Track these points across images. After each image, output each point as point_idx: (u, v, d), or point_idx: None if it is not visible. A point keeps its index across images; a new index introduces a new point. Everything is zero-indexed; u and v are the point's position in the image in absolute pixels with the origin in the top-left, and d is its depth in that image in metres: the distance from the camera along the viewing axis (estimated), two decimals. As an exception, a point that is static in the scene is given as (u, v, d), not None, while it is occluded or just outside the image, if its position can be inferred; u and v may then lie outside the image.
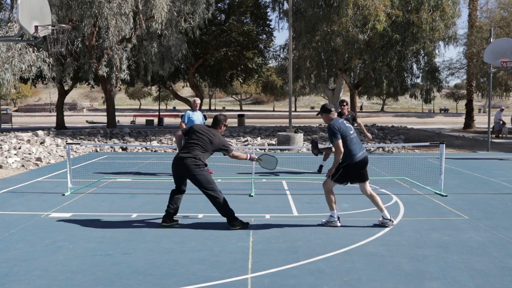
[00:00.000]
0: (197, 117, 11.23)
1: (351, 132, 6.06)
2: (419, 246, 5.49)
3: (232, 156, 6.34)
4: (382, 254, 5.18)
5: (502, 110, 26.25)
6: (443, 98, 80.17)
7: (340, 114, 10.78)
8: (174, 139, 19.15)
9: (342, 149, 5.91)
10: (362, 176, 6.13)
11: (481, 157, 14.99)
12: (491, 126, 20.31)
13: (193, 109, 11.27)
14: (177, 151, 6.28)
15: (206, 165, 6.23)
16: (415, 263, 4.92)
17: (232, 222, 6.17)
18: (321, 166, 11.09)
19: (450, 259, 5.05)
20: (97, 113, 69.56)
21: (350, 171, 6.04)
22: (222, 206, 6.14)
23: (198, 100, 11.67)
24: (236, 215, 6.24)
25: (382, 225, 6.25)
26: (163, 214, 6.47)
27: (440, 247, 5.45)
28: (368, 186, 6.21)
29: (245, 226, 6.20)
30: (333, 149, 6.02)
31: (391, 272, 4.66)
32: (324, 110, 6.21)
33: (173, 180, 6.42)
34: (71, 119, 49.93)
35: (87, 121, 47.10)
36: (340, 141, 5.92)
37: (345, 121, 6.15)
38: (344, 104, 10.77)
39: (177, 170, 6.19)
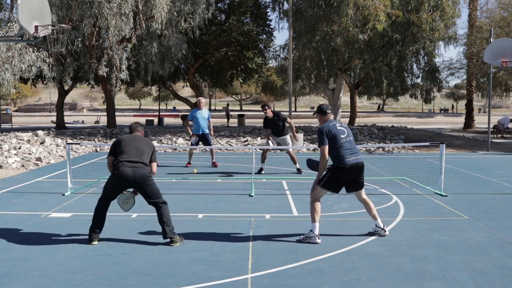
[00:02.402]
0: (201, 115, 11.93)
1: (343, 136, 5.63)
2: (419, 246, 5.49)
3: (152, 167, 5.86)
4: (382, 254, 5.18)
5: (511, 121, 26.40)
6: (443, 98, 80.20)
7: (266, 118, 10.97)
8: (174, 139, 19.15)
9: (326, 156, 5.56)
10: (358, 184, 5.74)
11: (481, 157, 15.00)
12: (491, 127, 20.28)
13: (198, 107, 12.10)
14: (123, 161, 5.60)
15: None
16: (415, 263, 4.92)
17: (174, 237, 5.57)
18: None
19: (450, 259, 5.05)
20: (97, 113, 69.53)
21: (339, 176, 5.58)
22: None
23: (202, 100, 12.38)
24: (236, 215, 6.23)
25: (375, 233, 5.96)
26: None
27: (440, 247, 5.45)
28: (363, 193, 5.86)
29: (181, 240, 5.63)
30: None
31: (391, 272, 4.66)
32: (319, 111, 5.88)
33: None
34: (70, 119, 49.85)
35: (52, 122, 46.82)
36: (326, 147, 5.56)
37: (338, 124, 5.75)
38: (266, 108, 10.94)
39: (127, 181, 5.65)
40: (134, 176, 5.55)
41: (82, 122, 46.13)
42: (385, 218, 6.60)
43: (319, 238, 5.62)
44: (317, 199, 5.70)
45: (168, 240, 5.53)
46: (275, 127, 10.98)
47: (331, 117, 5.86)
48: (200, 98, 12.57)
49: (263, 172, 11.10)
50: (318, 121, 5.95)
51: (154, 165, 5.85)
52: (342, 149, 5.59)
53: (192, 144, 11.93)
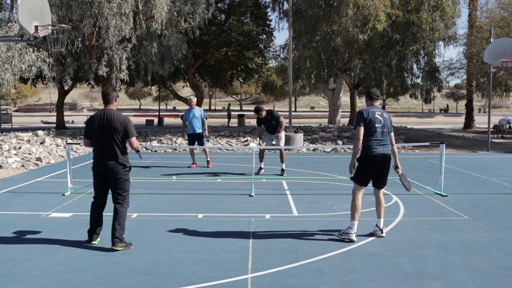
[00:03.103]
0: (193, 114, 11.76)
1: (378, 125, 5.66)
2: (419, 246, 5.49)
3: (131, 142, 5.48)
4: (382, 254, 5.18)
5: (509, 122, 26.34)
6: (443, 98, 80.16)
7: (259, 117, 10.99)
8: (174, 139, 19.14)
9: (361, 138, 5.63)
10: (381, 179, 5.79)
11: (481, 157, 15.00)
12: (491, 126, 20.28)
13: (190, 107, 11.88)
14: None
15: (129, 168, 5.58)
16: (415, 263, 4.92)
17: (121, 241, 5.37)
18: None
19: (450, 259, 5.05)
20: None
21: (367, 165, 5.67)
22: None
23: (193, 98, 12.13)
24: (236, 215, 6.23)
25: (373, 233, 5.91)
26: (163, 214, 6.43)
27: (440, 247, 5.44)
28: (381, 192, 5.90)
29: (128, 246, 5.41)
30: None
31: (391, 272, 4.66)
32: (367, 95, 5.97)
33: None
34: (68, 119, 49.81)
35: (42, 121, 46.83)
36: (362, 129, 5.62)
37: (378, 112, 5.75)
38: (261, 112, 10.90)
39: None
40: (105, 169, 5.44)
41: (72, 122, 46.06)
42: (385, 218, 6.58)
43: (355, 236, 5.67)
44: (357, 197, 5.69)
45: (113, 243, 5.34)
46: (268, 125, 10.99)
47: (377, 103, 5.90)
48: (191, 97, 12.35)
49: (262, 172, 11.09)
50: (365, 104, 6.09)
51: (133, 140, 5.45)
52: (372, 138, 5.67)
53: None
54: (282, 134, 11.01)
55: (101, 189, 5.62)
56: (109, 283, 4.36)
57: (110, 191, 5.57)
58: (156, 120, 39.57)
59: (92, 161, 5.62)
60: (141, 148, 5.92)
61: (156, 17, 19.60)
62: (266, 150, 12.61)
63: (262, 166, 11.17)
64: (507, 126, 25.88)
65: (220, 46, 27.91)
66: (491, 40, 17.64)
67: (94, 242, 5.53)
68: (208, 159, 12.24)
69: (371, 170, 5.70)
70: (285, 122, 11.24)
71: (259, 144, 11.12)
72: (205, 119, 11.94)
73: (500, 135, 25.75)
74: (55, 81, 23.99)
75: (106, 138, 5.38)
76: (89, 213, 5.66)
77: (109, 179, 5.46)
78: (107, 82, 22.60)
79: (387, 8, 21.10)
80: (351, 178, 5.82)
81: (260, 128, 11.19)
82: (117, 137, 5.37)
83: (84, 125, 6.22)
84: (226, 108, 38.58)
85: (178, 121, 44.83)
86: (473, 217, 6.90)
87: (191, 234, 5.94)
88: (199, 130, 11.77)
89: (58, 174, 11.07)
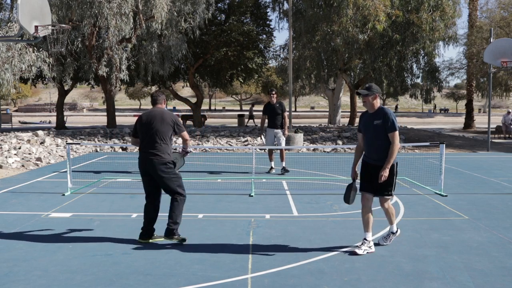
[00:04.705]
0: None
1: (368, 130, 5.27)
2: (419, 246, 5.49)
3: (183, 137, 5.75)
4: (382, 254, 5.18)
5: (509, 113, 26.15)
6: (443, 98, 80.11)
7: (269, 103, 11.07)
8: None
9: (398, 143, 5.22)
10: (370, 183, 5.24)
11: (481, 157, 15.00)
12: (492, 127, 20.25)
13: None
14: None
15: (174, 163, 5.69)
16: (415, 263, 4.92)
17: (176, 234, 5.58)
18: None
19: (450, 259, 5.05)
20: (97, 113, 69.55)
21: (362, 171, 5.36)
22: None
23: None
24: (236, 215, 6.23)
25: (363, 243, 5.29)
26: (163, 214, 6.42)
27: (440, 247, 5.44)
28: (381, 200, 5.35)
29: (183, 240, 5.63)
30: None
31: (391, 272, 4.66)
32: (377, 90, 5.33)
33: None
34: (37, 119, 49.87)
35: (19, 122, 46.71)
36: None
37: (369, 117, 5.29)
38: (274, 92, 11.04)
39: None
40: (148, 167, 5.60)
41: (49, 122, 46.06)
42: (385, 218, 6.58)
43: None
44: (389, 204, 5.38)
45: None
46: (274, 113, 10.95)
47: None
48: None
49: (273, 171, 11.18)
50: (371, 103, 5.25)
51: (184, 134, 5.70)
52: (365, 144, 5.38)
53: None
54: (286, 132, 11.10)
55: (148, 190, 5.79)
56: (109, 283, 4.36)
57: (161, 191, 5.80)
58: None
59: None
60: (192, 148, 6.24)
61: (156, 17, 19.60)
62: (263, 150, 12.62)
63: (273, 166, 11.28)
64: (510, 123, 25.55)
65: (220, 46, 27.89)
66: (491, 40, 17.64)
67: (149, 240, 5.67)
68: None
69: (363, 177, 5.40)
70: (287, 118, 11.34)
71: (261, 137, 11.11)
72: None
73: (504, 135, 25.37)
74: (55, 81, 23.98)
75: (151, 136, 5.56)
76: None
77: (155, 178, 5.61)
78: (107, 82, 22.60)
79: (387, 8, 21.10)
80: (391, 194, 5.29)
81: (264, 117, 11.19)
82: (162, 134, 5.56)
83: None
84: (249, 109, 39.23)
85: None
86: (473, 217, 6.90)
87: (191, 234, 5.94)
88: None
89: (58, 174, 11.07)
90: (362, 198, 5.32)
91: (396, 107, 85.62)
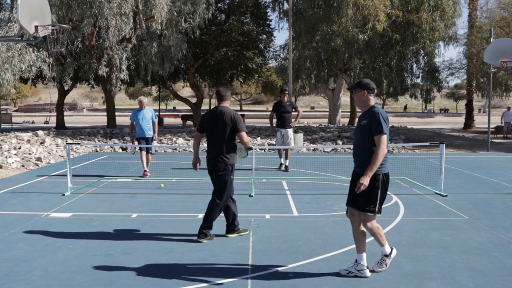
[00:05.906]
0: (143, 116, 10.64)
1: (355, 132, 4.63)
2: (419, 246, 5.49)
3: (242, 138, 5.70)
4: (382, 254, 5.17)
5: (509, 108, 26.07)
6: (443, 98, 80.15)
7: (280, 101, 11.31)
8: (175, 139, 19.15)
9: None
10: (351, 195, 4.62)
11: (481, 157, 15.00)
12: (492, 126, 20.26)
13: (140, 107, 10.72)
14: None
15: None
16: (415, 263, 4.92)
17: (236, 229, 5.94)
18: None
19: (450, 259, 5.05)
20: (97, 113, 69.55)
21: (387, 185, 4.54)
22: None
23: (143, 99, 10.81)
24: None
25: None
26: (163, 214, 6.44)
27: (440, 247, 5.44)
28: (362, 218, 4.56)
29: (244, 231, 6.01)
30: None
31: (391, 272, 4.66)
32: (366, 86, 4.47)
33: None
34: (20, 119, 49.73)
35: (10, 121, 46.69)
36: (386, 137, 4.38)
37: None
38: (286, 92, 11.31)
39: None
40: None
41: (33, 122, 46.01)
42: (385, 218, 6.60)
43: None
44: (374, 223, 4.52)
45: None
46: (284, 112, 11.22)
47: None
48: (140, 97, 10.89)
49: (283, 168, 11.57)
50: (361, 100, 4.50)
51: (242, 134, 5.67)
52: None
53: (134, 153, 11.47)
54: (294, 123, 11.49)
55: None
56: (109, 283, 4.36)
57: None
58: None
59: None
60: (252, 146, 6.29)
61: (156, 17, 19.60)
62: (263, 150, 12.72)
63: (283, 162, 11.68)
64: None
65: (220, 46, 27.90)
66: (491, 40, 17.64)
67: (229, 235, 5.88)
68: (146, 169, 10.65)
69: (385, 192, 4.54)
70: (301, 112, 11.81)
71: (276, 134, 11.45)
72: (156, 121, 10.90)
73: (504, 135, 25.32)
74: (55, 81, 23.97)
75: (215, 133, 5.64)
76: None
77: (213, 175, 5.72)
78: (107, 82, 22.61)
79: (387, 8, 21.09)
80: (374, 211, 4.43)
81: (272, 114, 11.53)
82: (225, 132, 5.62)
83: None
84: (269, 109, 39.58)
85: (178, 121, 44.84)
86: (473, 217, 6.90)
87: (191, 234, 5.94)
88: (150, 134, 10.70)
89: (58, 174, 11.07)
90: (347, 213, 4.70)
91: (405, 107, 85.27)
